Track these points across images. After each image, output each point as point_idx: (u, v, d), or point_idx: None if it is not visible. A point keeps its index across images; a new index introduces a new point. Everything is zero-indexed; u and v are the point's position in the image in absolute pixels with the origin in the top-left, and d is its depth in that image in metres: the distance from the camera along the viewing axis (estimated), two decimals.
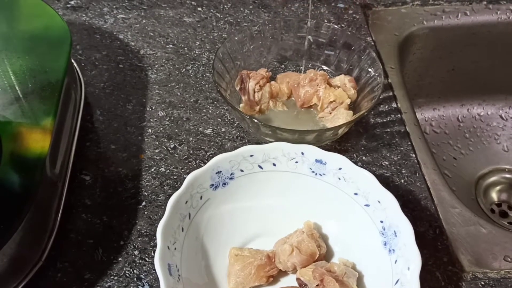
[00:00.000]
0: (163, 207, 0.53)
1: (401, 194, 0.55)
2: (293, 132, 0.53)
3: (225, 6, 0.76)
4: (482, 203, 0.81)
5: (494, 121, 0.90)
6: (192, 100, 0.63)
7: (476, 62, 0.84)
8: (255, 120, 0.53)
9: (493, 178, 0.84)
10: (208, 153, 0.58)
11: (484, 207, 0.81)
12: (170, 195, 0.45)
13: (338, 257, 0.48)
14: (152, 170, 0.56)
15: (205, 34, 0.72)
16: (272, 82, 0.61)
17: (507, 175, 0.85)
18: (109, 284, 0.47)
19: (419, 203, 0.55)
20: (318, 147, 0.49)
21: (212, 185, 0.48)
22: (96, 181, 0.55)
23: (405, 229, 0.44)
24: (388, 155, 0.59)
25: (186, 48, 0.70)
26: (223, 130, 0.60)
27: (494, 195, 0.83)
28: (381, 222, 0.46)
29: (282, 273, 0.48)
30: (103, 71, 0.66)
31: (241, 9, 0.76)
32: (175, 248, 0.44)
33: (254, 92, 0.59)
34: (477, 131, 0.89)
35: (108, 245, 0.50)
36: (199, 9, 0.76)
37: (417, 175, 0.57)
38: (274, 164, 0.49)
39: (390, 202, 0.45)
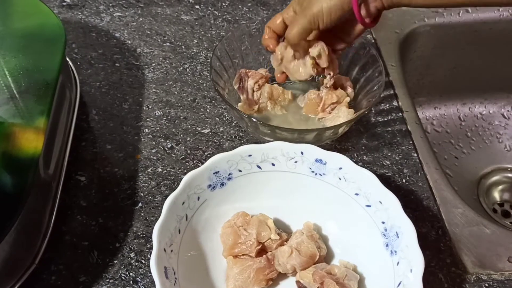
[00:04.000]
0: (159, 208, 0.51)
1: (403, 194, 0.54)
2: (293, 131, 0.52)
3: (223, 4, 0.75)
4: (485, 202, 0.80)
5: (496, 120, 0.89)
6: (189, 99, 0.62)
7: (478, 60, 0.83)
8: (254, 119, 0.52)
9: (495, 178, 0.84)
10: (206, 153, 0.57)
11: (486, 207, 0.80)
12: (167, 196, 0.44)
13: (338, 259, 0.47)
14: (149, 170, 0.55)
15: (202, 32, 0.71)
16: (275, 85, 0.60)
17: (510, 174, 0.84)
18: (104, 287, 0.46)
19: (421, 203, 0.54)
20: (318, 146, 0.48)
21: (210, 185, 0.47)
22: (92, 182, 0.54)
23: (408, 230, 0.43)
24: (389, 154, 0.58)
25: (183, 47, 0.69)
26: (221, 129, 0.59)
27: (496, 195, 0.82)
28: (383, 223, 0.45)
29: (281, 276, 0.47)
30: (99, 69, 0.65)
31: (239, 6, 0.75)
32: (172, 251, 0.43)
33: (253, 91, 0.58)
34: (478, 130, 0.88)
35: (104, 247, 0.49)
36: (197, 7, 0.75)
37: (419, 174, 0.56)
38: (273, 164, 0.48)
39: (392, 203, 0.44)
